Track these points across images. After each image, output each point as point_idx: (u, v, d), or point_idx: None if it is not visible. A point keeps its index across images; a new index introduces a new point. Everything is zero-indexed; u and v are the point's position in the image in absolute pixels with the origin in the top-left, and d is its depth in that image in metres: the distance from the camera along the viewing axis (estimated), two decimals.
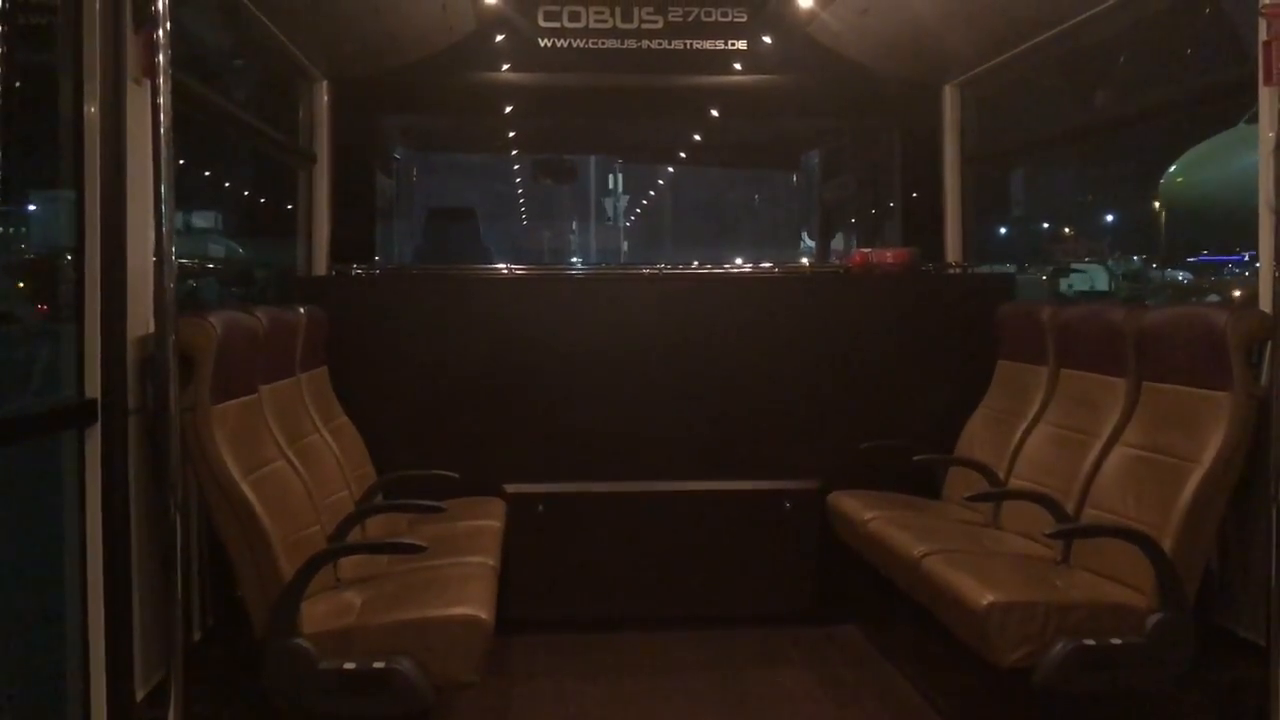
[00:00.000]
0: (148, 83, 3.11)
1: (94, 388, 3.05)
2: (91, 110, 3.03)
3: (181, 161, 3.16)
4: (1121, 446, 3.93)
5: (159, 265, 3.11)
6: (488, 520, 4.54)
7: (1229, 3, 3.90)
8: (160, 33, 3.06)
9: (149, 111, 3.07)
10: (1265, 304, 3.46)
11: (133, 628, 3.12)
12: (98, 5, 3.02)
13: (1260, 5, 3.43)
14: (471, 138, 8.78)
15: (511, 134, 8.49)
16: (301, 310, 4.49)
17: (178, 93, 3.13)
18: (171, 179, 3.08)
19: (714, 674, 4.64)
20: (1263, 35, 3.42)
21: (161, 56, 3.06)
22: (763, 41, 5.80)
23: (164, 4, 3.06)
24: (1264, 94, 3.47)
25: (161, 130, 3.05)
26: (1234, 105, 3.89)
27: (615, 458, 5.16)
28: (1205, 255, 26.25)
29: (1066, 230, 31.72)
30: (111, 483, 3.06)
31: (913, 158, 6.16)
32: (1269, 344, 3.44)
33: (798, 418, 5.23)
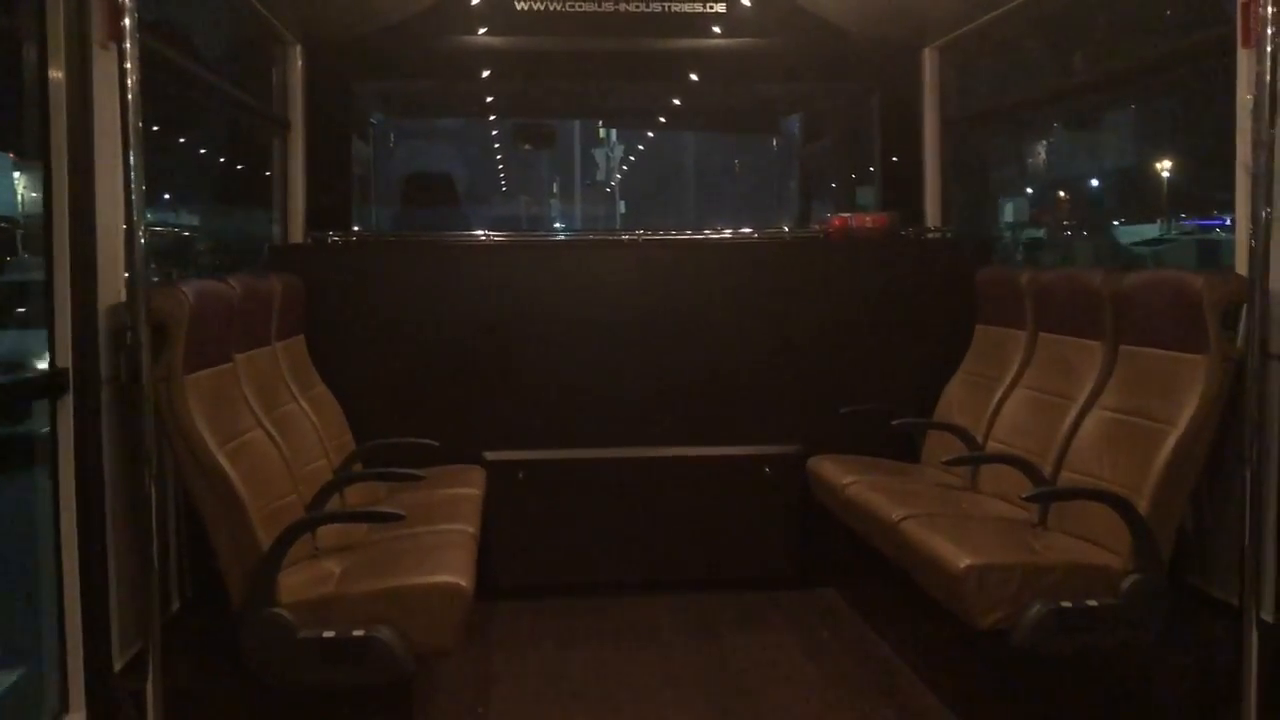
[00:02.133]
0: (114, 47, 3.05)
1: (65, 357, 3.01)
2: (56, 75, 2.97)
3: None
4: (1098, 410, 3.95)
5: (129, 233, 3.07)
6: (467, 488, 4.53)
7: None
8: None
9: (116, 76, 3.02)
10: (1241, 267, 3.47)
11: (109, 599, 3.10)
12: None
13: None
14: (450, 102, 8.67)
15: (490, 99, 8.40)
16: (276, 278, 4.45)
17: (145, 57, 3.08)
18: (140, 145, 3.04)
19: (695, 638, 4.68)
20: None
21: (128, 20, 3.01)
22: (742, 4, 5.74)
23: None
24: (1242, 56, 3.46)
25: (129, 96, 3.00)
26: (1212, 67, 3.87)
27: (595, 424, 5.16)
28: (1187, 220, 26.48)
29: (1061, 194, 31.76)
30: (85, 453, 3.03)
31: (892, 121, 6.13)
32: (1244, 307, 3.45)
33: (778, 382, 5.24)
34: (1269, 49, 3.25)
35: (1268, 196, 3.31)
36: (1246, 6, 3.38)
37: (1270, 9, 3.24)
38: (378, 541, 3.82)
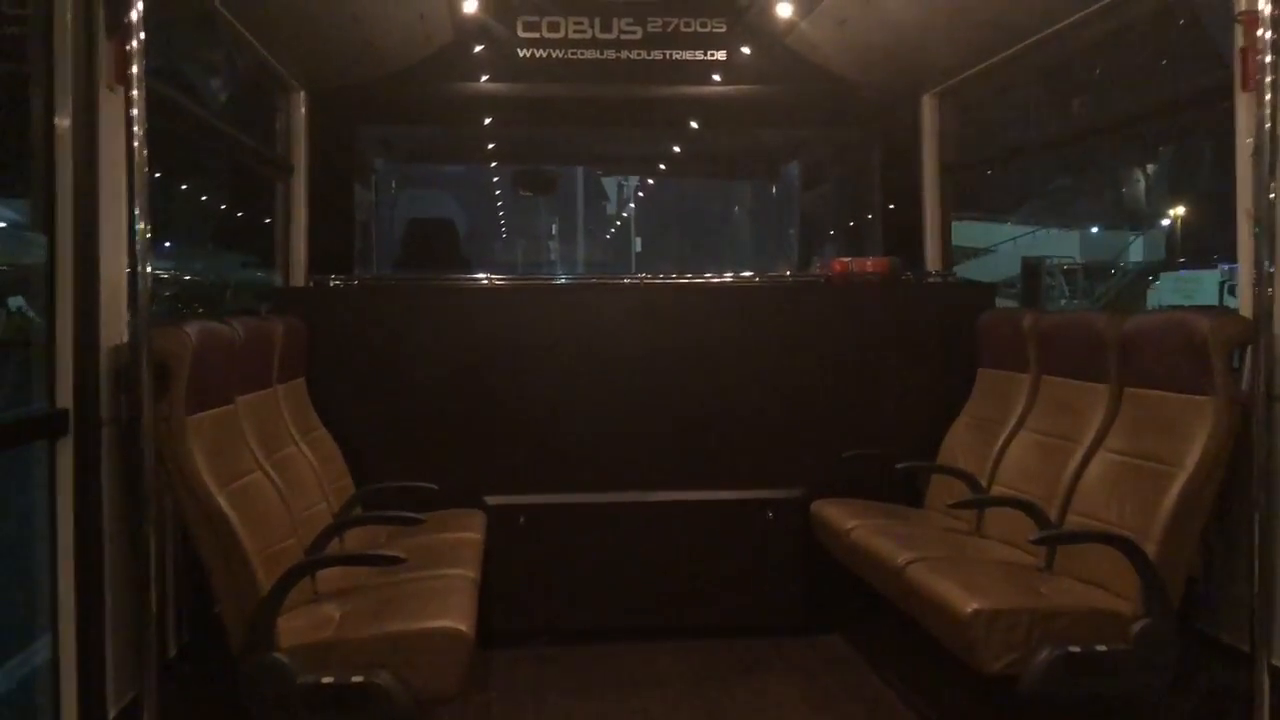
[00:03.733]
0: (121, 91, 3.07)
1: (66, 398, 3.00)
2: (63, 119, 2.99)
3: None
4: (1104, 452, 3.93)
5: (133, 275, 3.07)
6: (468, 532, 4.50)
7: (1204, 10, 3.92)
8: (134, 41, 3.03)
9: (123, 120, 3.03)
10: (1246, 309, 3.47)
11: (105, 645, 3.06)
12: (69, 13, 2.98)
13: (1235, 12, 3.46)
14: (451, 148, 8.75)
15: (491, 145, 8.47)
16: (279, 321, 4.45)
17: (152, 101, 3.10)
18: (146, 188, 3.05)
19: (698, 685, 4.61)
20: (1239, 42, 3.44)
21: (135, 65, 3.04)
22: (741, 52, 5.80)
23: (138, 12, 3.03)
24: (1241, 100, 3.49)
25: (135, 139, 3.02)
26: (1211, 112, 3.90)
27: (597, 469, 5.13)
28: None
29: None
30: (84, 495, 3.00)
31: (892, 167, 6.17)
32: (1250, 348, 3.44)
33: (780, 427, 5.22)
34: (1268, 95, 3.28)
35: (1270, 239, 3.32)
36: (1244, 51, 3.41)
37: (1269, 55, 3.28)
38: (378, 586, 3.78)
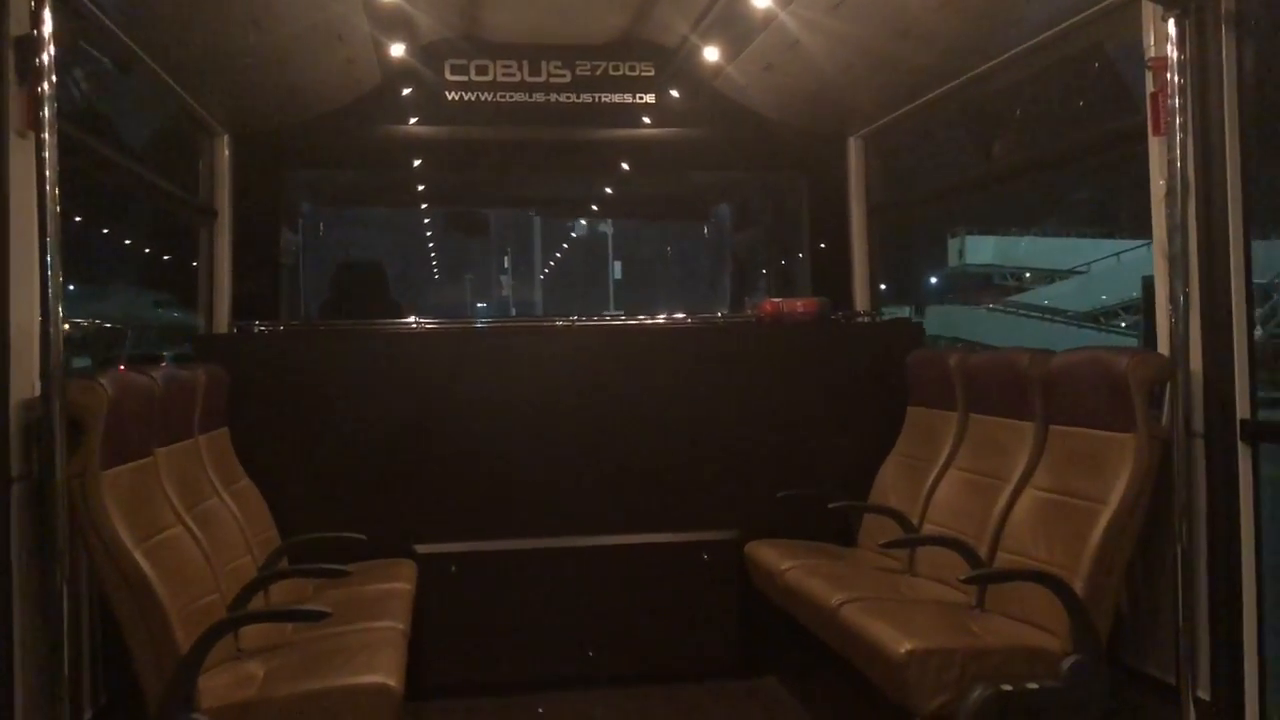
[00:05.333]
0: (33, 136, 2.99)
1: None
2: None
3: None
4: (1031, 489, 3.97)
5: (45, 324, 2.98)
6: (397, 583, 4.41)
7: (1118, 56, 4.04)
8: (45, 85, 2.96)
9: (33, 166, 2.95)
10: (1163, 347, 3.54)
11: (14, 712, 2.93)
12: None
13: (1146, 58, 3.56)
14: (380, 192, 8.68)
15: (421, 188, 8.42)
16: (200, 369, 4.35)
17: (66, 146, 3.03)
18: (58, 235, 2.97)
19: None
20: (1150, 87, 3.54)
21: (47, 109, 2.97)
22: (670, 95, 5.85)
23: (48, 57, 2.97)
24: (1153, 143, 3.58)
25: (47, 186, 2.94)
26: (1125, 154, 4.01)
27: (529, 514, 5.07)
28: None
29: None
30: None
31: (820, 208, 6.24)
32: (1168, 386, 3.51)
33: (714, 468, 5.21)
34: (1178, 137, 3.38)
35: (1185, 278, 3.40)
36: (1154, 96, 3.51)
37: (1177, 99, 3.38)
38: (303, 641, 3.68)
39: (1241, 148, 3.33)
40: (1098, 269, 30.76)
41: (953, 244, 35.64)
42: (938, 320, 29.35)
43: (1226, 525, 3.32)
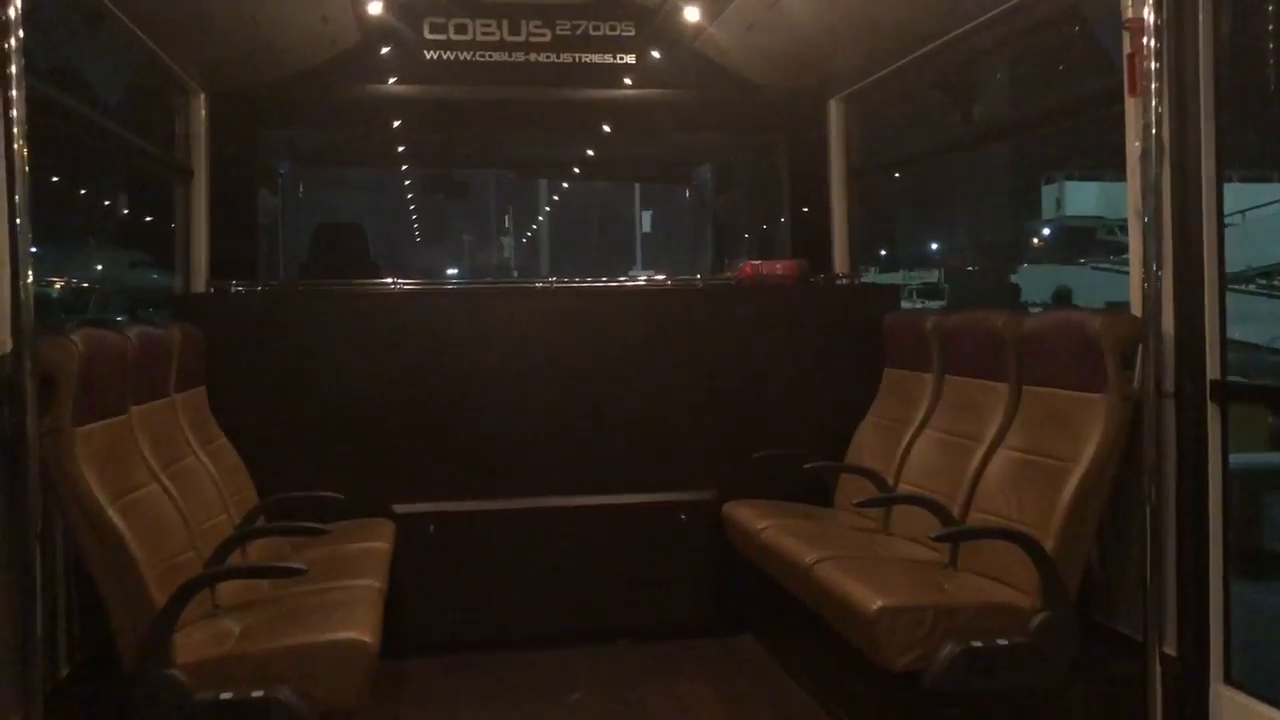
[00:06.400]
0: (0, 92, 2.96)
1: None
2: None
3: None
4: (1004, 450, 4.01)
5: (15, 281, 2.96)
6: (375, 542, 4.42)
7: (1095, 17, 4.03)
8: (13, 39, 2.92)
9: (1, 121, 2.92)
10: (1136, 308, 3.57)
11: None
12: None
13: (1123, 20, 3.56)
14: (359, 152, 8.61)
15: (400, 148, 8.36)
16: (176, 328, 4.33)
17: (37, 103, 2.99)
18: (28, 191, 2.94)
19: (611, 689, 4.61)
20: (1126, 48, 3.54)
21: (14, 64, 2.93)
22: (651, 56, 5.81)
23: (15, 11, 2.92)
24: (1129, 104, 3.58)
25: (15, 141, 2.91)
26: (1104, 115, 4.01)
27: (508, 475, 5.09)
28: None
29: None
30: None
31: (801, 171, 6.23)
32: (1140, 347, 3.54)
33: (692, 429, 5.23)
34: (1154, 100, 3.38)
35: (1158, 240, 3.42)
36: (1131, 57, 3.51)
37: (1153, 61, 3.38)
38: (280, 598, 3.69)
39: (1216, 111, 3.33)
40: (1254, 218, 22.88)
41: (1048, 191, 31.01)
42: (1040, 278, 24.22)
43: (1194, 485, 3.36)
